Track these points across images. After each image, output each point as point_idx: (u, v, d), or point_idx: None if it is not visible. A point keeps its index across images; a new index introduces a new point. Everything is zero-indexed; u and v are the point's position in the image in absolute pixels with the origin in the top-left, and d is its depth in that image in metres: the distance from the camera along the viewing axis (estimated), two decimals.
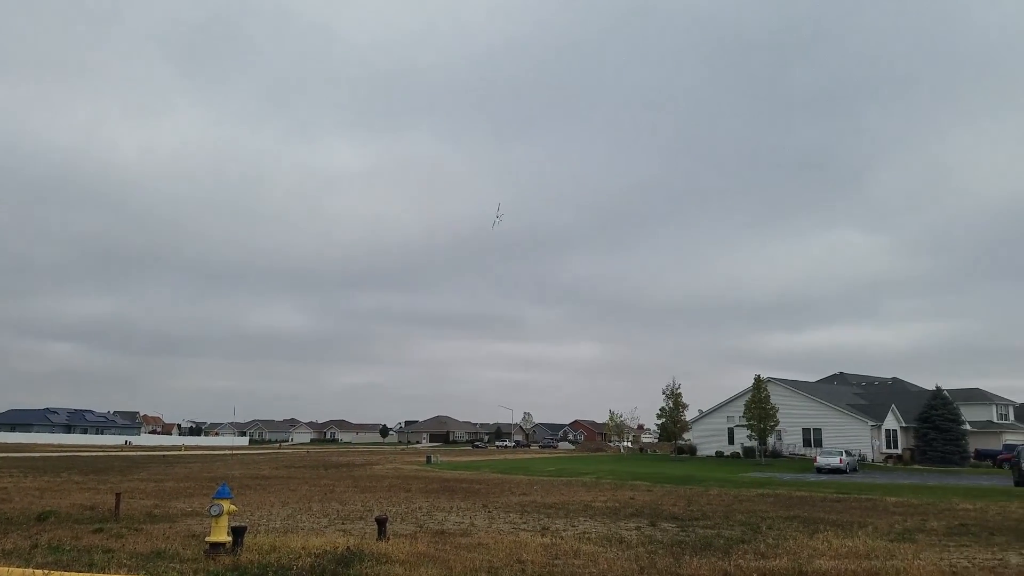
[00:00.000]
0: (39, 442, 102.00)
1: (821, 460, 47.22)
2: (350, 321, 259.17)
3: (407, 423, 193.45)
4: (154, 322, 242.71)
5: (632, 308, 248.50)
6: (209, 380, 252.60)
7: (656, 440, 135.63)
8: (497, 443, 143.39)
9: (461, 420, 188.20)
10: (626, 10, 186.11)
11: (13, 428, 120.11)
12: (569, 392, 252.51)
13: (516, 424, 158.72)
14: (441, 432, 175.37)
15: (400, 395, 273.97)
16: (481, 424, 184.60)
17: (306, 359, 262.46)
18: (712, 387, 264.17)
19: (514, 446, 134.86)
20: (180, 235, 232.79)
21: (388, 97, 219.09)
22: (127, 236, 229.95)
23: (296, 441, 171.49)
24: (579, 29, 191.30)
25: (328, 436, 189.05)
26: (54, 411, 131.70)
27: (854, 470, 47.99)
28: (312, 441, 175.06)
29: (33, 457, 56.88)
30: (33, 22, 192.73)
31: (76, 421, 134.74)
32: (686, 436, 79.08)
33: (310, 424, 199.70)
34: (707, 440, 74.51)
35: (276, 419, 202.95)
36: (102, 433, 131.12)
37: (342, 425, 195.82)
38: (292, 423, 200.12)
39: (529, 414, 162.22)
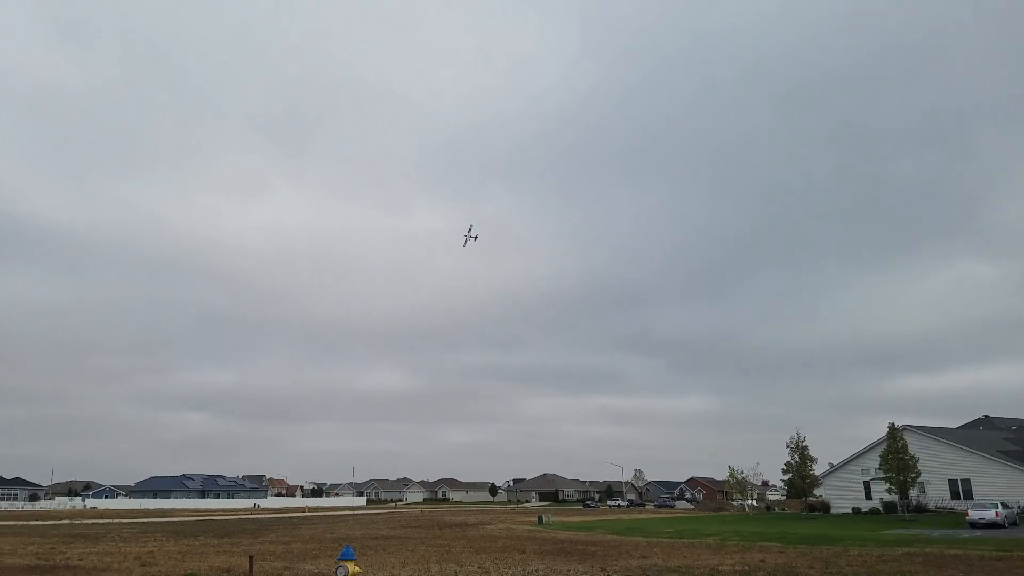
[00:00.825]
0: (177, 507, 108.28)
1: (974, 514, 42.93)
2: (452, 380, 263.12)
3: (515, 481, 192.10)
4: (274, 389, 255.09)
5: (740, 358, 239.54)
6: (327, 442, 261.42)
7: (783, 497, 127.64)
8: (609, 502, 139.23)
9: (569, 478, 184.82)
10: (692, 60, 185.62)
11: (155, 494, 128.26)
12: (681, 447, 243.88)
13: (627, 482, 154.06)
14: (550, 490, 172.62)
15: (506, 453, 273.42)
16: (590, 482, 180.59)
17: (415, 419, 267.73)
18: (840, 438, 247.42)
19: (627, 505, 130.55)
20: (291, 305, 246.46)
21: (469, 162, 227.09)
22: (246, 309, 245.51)
23: (409, 500, 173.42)
24: (647, 84, 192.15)
25: (440, 495, 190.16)
26: (189, 477, 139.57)
27: (1013, 524, 43.29)
28: (425, 500, 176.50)
29: (173, 522, 60.24)
30: (160, 123, 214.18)
31: (209, 486, 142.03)
32: (817, 492, 73.97)
33: (422, 483, 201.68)
34: (841, 495, 69.42)
35: (390, 478, 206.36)
36: (233, 497, 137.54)
37: (452, 484, 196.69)
38: (405, 482, 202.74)
39: (640, 471, 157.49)
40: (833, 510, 68.86)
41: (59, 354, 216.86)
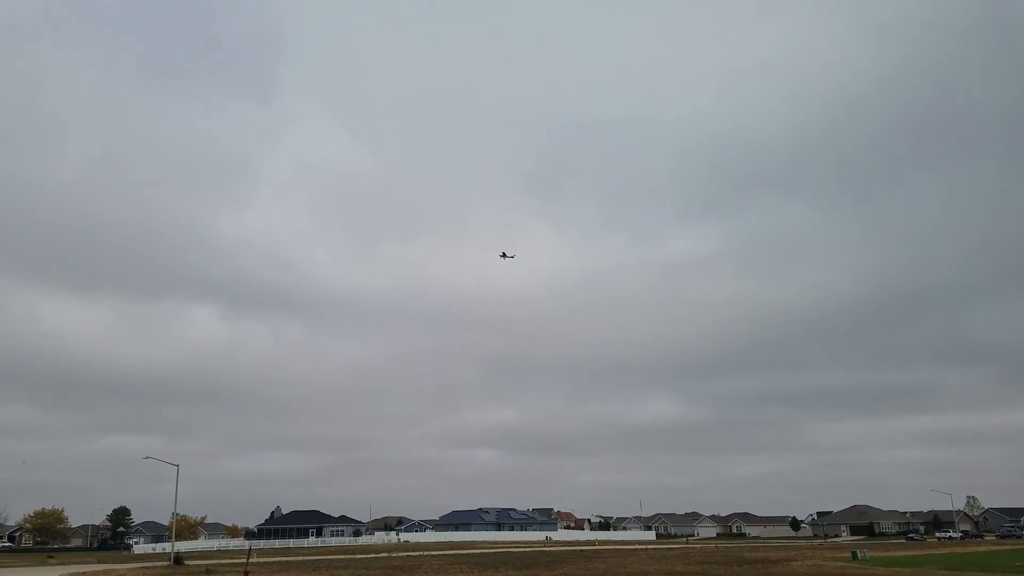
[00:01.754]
0: (477, 539, 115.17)
1: None
2: (735, 408, 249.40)
3: (819, 514, 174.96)
4: (554, 423, 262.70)
5: None
6: (610, 475, 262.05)
7: None
8: (937, 534, 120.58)
9: (885, 509, 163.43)
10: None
11: (457, 527, 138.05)
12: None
13: (958, 511, 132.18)
14: (862, 523, 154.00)
15: (804, 484, 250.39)
16: (911, 512, 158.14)
17: (698, 450, 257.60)
18: None
19: (960, 536, 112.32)
20: (564, 343, 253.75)
21: (732, 176, 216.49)
22: (522, 350, 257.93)
23: (701, 535, 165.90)
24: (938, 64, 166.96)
25: (734, 530, 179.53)
26: (485, 511, 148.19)
27: None
28: (718, 535, 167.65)
29: (475, 553, 63.28)
30: (432, 196, 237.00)
31: (503, 519, 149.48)
32: None
33: (713, 517, 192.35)
34: None
35: (678, 512, 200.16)
36: (525, 529, 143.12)
37: (747, 518, 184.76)
38: (694, 516, 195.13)
39: (974, 498, 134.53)
40: None
41: (363, 403, 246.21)
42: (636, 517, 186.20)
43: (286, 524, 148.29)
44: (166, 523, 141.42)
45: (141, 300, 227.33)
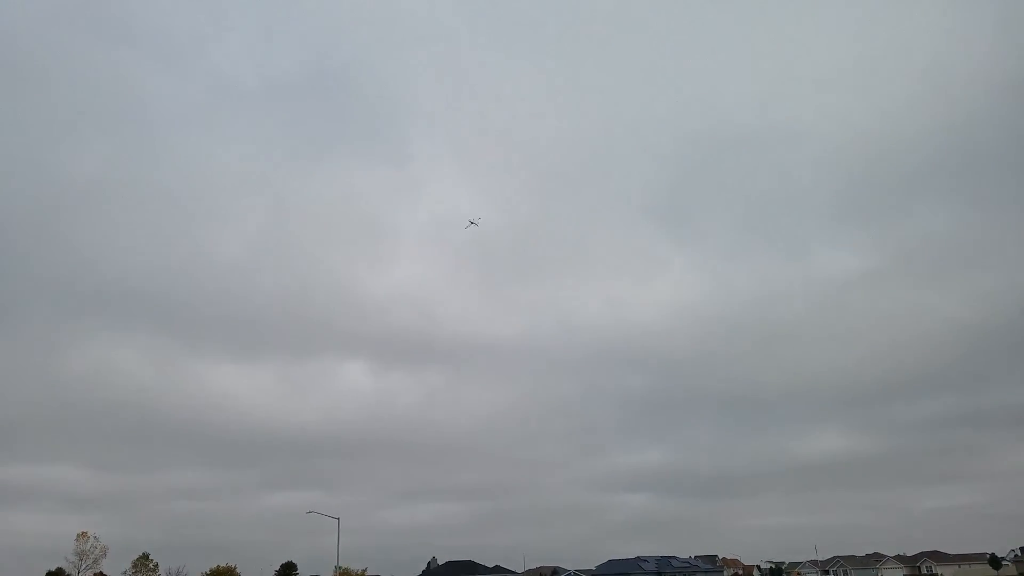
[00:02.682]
0: None
1: None
2: (911, 436, 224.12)
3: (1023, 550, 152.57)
4: (707, 463, 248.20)
5: None
6: (778, 516, 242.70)
7: None
8: None
9: None
10: None
11: None
12: None
13: None
14: None
15: (1002, 514, 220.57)
16: None
17: (873, 484, 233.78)
18: None
19: None
20: (710, 378, 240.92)
21: (884, 179, 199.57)
22: (667, 388, 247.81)
23: None
24: None
25: (924, 570, 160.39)
26: (644, 559, 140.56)
27: None
28: None
29: None
30: (560, 237, 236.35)
31: (664, 567, 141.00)
32: None
33: (898, 557, 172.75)
34: None
35: (857, 554, 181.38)
36: None
37: (937, 556, 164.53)
38: (877, 557, 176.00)
39: None
40: None
41: (508, 449, 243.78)
42: (812, 561, 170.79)
43: (442, 574, 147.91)
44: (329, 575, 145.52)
45: (297, 360, 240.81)
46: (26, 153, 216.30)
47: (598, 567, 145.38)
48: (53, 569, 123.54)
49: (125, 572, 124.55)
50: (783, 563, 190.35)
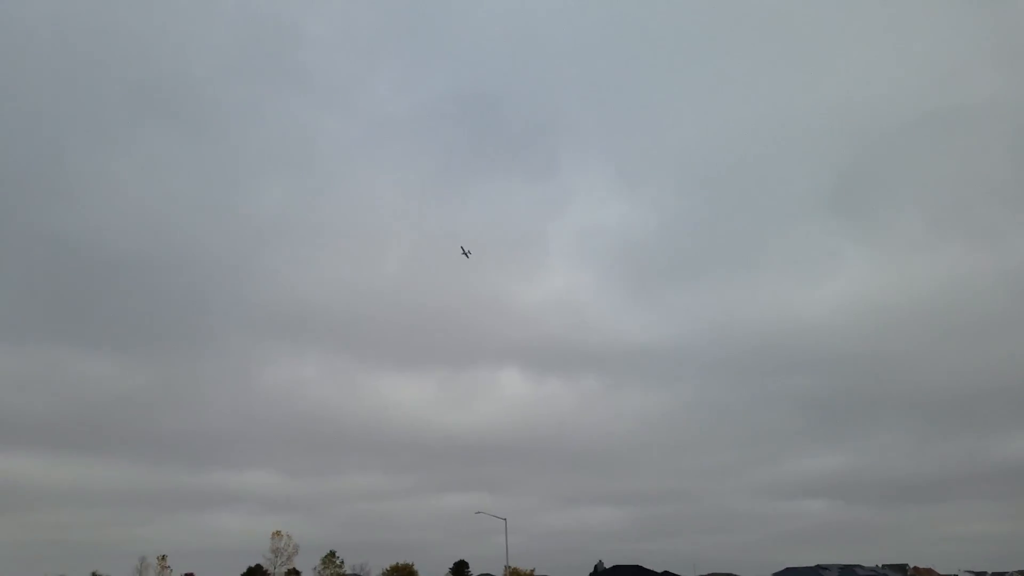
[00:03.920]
0: None
1: None
2: None
3: None
4: (894, 468, 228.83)
5: None
6: (979, 523, 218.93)
7: None
8: None
9: None
10: None
11: None
12: None
13: None
14: None
15: None
16: None
17: None
18: None
19: None
20: (894, 377, 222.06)
21: None
22: (839, 388, 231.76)
23: None
24: None
25: None
26: (824, 567, 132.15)
27: None
28: None
29: None
30: (724, 235, 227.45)
31: (847, 575, 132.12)
32: None
33: None
34: None
35: None
36: None
37: None
38: None
39: None
40: None
41: (669, 455, 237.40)
42: (1020, 572, 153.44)
43: None
44: (500, 575, 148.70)
45: (459, 370, 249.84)
46: (215, 194, 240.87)
47: (775, 574, 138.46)
48: (252, 565, 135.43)
49: (315, 568, 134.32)
50: (985, 573, 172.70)
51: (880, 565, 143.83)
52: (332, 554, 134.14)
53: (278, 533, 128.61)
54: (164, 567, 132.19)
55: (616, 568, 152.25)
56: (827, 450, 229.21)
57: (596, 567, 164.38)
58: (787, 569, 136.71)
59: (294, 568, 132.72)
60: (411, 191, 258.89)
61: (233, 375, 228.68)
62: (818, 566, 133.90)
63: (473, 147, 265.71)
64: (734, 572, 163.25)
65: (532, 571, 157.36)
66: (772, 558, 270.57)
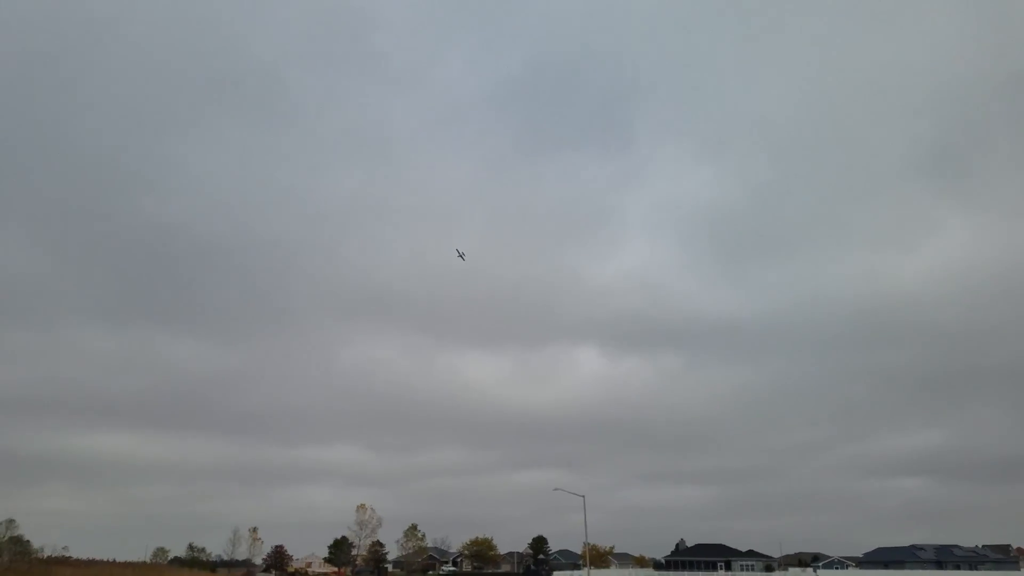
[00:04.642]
0: None
1: None
2: None
3: None
4: (994, 447, 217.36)
5: None
6: None
7: None
8: None
9: None
10: None
11: (886, 565, 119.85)
12: None
13: None
14: None
15: None
16: None
17: None
18: None
19: None
20: (994, 348, 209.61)
21: None
22: (935, 362, 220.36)
23: None
24: None
25: None
26: (920, 547, 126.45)
27: None
28: None
29: None
30: (791, 205, 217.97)
31: (944, 556, 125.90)
32: None
33: None
34: None
35: None
36: (975, 568, 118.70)
37: None
38: None
39: None
40: None
41: (755, 432, 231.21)
42: None
43: (692, 556, 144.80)
44: (578, 551, 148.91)
45: (535, 347, 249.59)
46: (294, 181, 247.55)
47: (866, 555, 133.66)
48: (339, 537, 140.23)
49: (398, 541, 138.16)
50: None
51: (980, 546, 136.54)
52: (414, 527, 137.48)
53: (363, 506, 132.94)
54: (256, 539, 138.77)
55: (699, 547, 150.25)
56: (921, 426, 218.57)
57: (677, 545, 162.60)
58: (879, 549, 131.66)
59: (378, 540, 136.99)
60: (485, 170, 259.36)
61: (317, 355, 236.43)
62: (912, 546, 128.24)
63: (546, 122, 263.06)
64: (822, 552, 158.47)
65: (611, 548, 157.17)
66: (863, 538, 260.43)
